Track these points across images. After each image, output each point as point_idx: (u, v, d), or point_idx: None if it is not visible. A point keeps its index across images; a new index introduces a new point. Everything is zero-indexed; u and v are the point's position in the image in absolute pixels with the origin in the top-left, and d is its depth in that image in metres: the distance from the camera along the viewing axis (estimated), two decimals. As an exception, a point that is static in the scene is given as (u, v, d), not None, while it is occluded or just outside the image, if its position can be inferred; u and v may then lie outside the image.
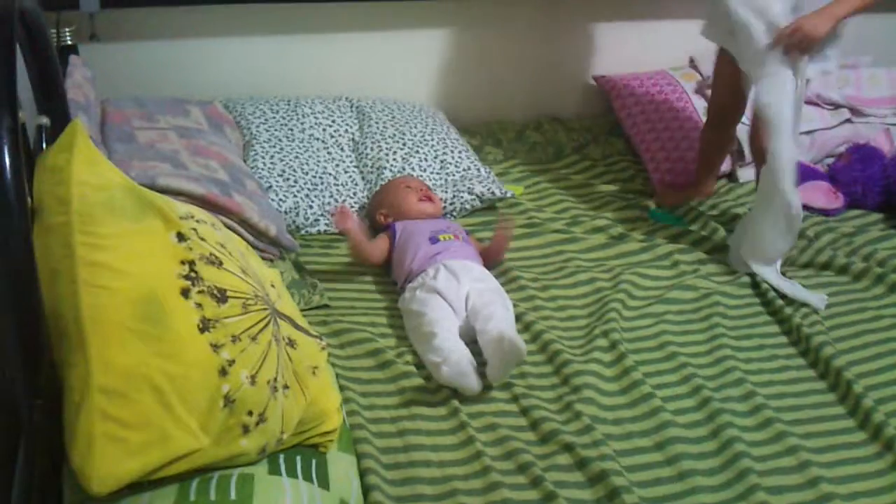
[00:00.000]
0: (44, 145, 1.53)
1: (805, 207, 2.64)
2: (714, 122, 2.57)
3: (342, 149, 2.61)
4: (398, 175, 2.50)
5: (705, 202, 2.65)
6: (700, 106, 2.86)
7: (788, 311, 2.17)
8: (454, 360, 1.81)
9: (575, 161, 2.84)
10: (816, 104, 2.92)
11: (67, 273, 1.23)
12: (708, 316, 2.15)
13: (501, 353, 1.81)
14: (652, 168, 2.77)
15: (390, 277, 2.22)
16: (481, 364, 1.86)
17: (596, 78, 3.07)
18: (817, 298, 2.22)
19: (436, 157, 2.59)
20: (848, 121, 2.95)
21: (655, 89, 2.94)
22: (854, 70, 3.05)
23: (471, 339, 1.92)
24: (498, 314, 1.93)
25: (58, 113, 1.63)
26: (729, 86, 2.41)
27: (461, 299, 1.99)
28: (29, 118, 1.53)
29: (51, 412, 1.24)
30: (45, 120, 1.57)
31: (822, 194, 2.69)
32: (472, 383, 1.82)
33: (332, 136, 2.62)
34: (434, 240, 2.16)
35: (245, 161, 2.43)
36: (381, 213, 2.36)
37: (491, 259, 2.24)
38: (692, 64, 3.08)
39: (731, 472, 1.71)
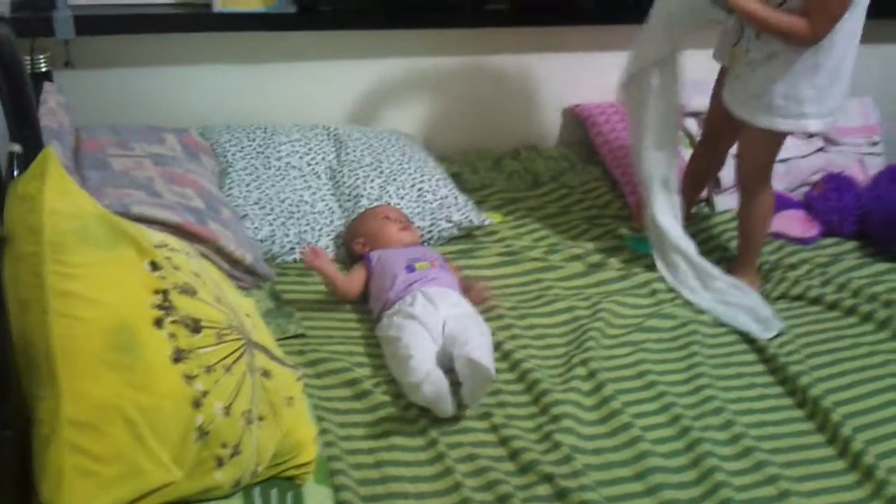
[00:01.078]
0: (15, 173, 1.51)
1: (781, 236, 2.68)
2: (707, 142, 2.58)
3: (319, 177, 2.59)
4: (375, 203, 2.49)
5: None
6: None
7: (764, 340, 2.17)
8: (433, 379, 1.80)
9: (552, 189, 2.85)
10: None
11: (38, 303, 1.20)
12: (687, 344, 2.15)
13: (471, 376, 1.80)
14: (629, 193, 2.78)
15: (367, 306, 2.20)
16: (456, 390, 1.85)
17: (571, 107, 3.08)
18: (759, 327, 2.22)
19: (413, 186, 2.58)
20: (821, 149, 2.98)
21: (631, 117, 2.95)
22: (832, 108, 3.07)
23: (447, 366, 1.90)
24: (474, 339, 1.91)
25: (31, 140, 1.60)
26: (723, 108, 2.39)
27: (438, 325, 1.98)
28: (1, 145, 1.51)
29: (20, 444, 1.21)
30: (17, 147, 1.55)
31: (798, 223, 2.71)
32: (447, 405, 1.81)
33: (309, 165, 2.61)
34: (411, 269, 2.15)
35: (221, 189, 2.42)
36: (357, 241, 2.34)
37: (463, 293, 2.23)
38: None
39: (712, 501, 1.69)
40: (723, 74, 2.42)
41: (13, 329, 1.22)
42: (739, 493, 1.71)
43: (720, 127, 2.46)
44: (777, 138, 2.32)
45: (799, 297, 2.39)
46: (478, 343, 1.89)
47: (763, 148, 2.33)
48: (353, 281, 2.21)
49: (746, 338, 2.21)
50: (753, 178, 2.38)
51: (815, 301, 2.37)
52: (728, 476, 1.75)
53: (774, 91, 2.20)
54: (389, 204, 2.50)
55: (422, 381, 1.79)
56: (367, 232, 2.34)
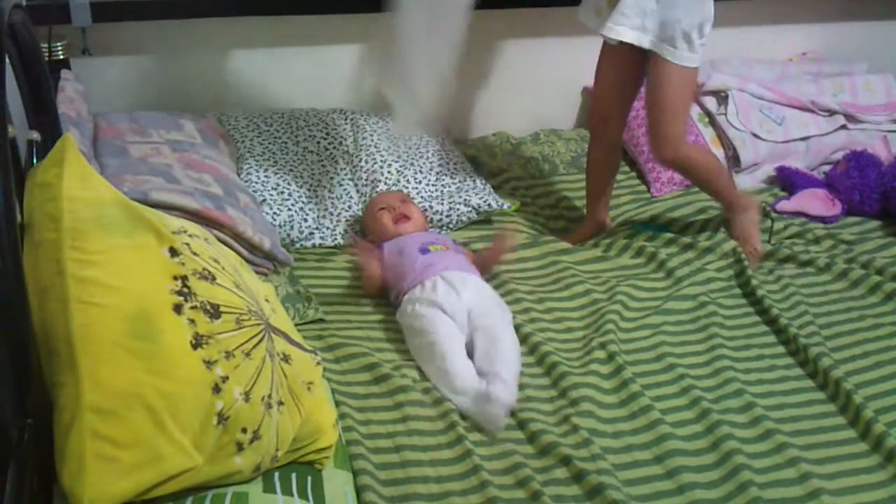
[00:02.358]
0: (34, 160, 1.52)
1: (803, 215, 2.65)
2: (598, 134, 2.46)
3: (336, 162, 2.59)
4: (392, 188, 2.48)
5: (691, 208, 2.63)
6: (693, 111, 2.86)
7: (784, 320, 2.15)
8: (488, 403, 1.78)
9: (571, 172, 2.83)
10: (811, 111, 2.92)
11: (57, 290, 1.21)
12: (705, 326, 2.14)
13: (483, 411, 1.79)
14: (649, 170, 2.76)
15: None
16: None
17: (590, 87, 3.06)
18: None
19: (431, 169, 2.58)
20: (843, 127, 2.94)
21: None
22: (849, 77, 3.05)
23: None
24: (498, 324, 1.93)
25: (49, 128, 1.62)
26: (615, 83, 2.32)
27: (462, 312, 1.98)
28: (20, 133, 1.52)
29: (41, 432, 1.23)
30: (35, 135, 1.56)
31: (820, 202, 2.68)
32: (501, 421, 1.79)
33: (327, 149, 2.61)
34: (425, 251, 2.14)
35: (239, 174, 2.42)
36: (368, 238, 2.36)
37: (483, 268, 2.23)
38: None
39: (732, 484, 1.69)
40: (606, 50, 2.32)
41: (33, 316, 1.23)
42: (760, 475, 1.71)
43: (608, 110, 2.40)
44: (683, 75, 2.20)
45: (823, 269, 2.38)
46: (503, 334, 1.91)
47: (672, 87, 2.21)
48: (376, 266, 2.18)
49: (765, 318, 2.19)
50: (669, 144, 2.27)
51: (839, 277, 2.35)
52: (748, 459, 1.74)
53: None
54: (391, 189, 2.48)
55: (469, 401, 1.81)
56: (367, 227, 2.37)
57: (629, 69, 2.30)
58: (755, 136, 2.82)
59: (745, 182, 2.78)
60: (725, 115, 2.84)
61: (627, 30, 2.15)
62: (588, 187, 2.55)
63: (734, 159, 2.81)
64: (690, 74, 2.21)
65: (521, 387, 1.90)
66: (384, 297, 2.19)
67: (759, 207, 2.44)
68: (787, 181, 2.78)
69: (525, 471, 1.67)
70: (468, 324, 1.96)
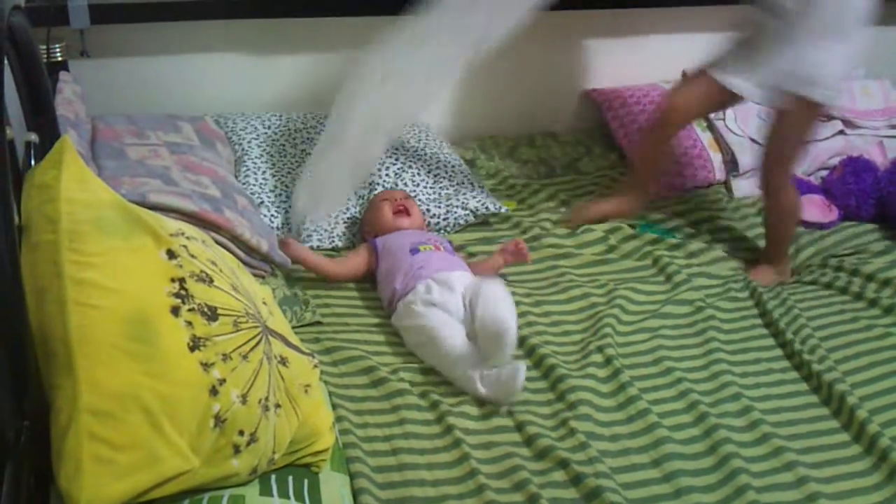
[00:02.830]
0: (32, 162, 1.51)
1: (800, 221, 2.65)
2: (670, 135, 2.52)
3: (334, 164, 2.59)
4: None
5: (692, 212, 2.63)
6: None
7: (782, 324, 2.16)
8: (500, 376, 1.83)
9: (568, 175, 2.83)
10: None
11: (55, 292, 1.21)
12: (703, 330, 2.14)
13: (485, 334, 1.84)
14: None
15: (377, 292, 2.20)
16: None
17: (588, 91, 3.07)
18: None
19: (429, 172, 2.58)
20: (841, 132, 2.95)
21: (647, 100, 2.94)
22: (846, 82, 3.05)
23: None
24: (486, 296, 1.95)
25: (47, 129, 1.61)
26: (707, 108, 2.42)
27: (458, 305, 1.99)
28: (17, 135, 1.52)
29: (38, 434, 1.22)
30: (33, 137, 1.56)
31: (817, 208, 2.69)
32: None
33: (325, 152, 2.61)
34: (414, 251, 2.14)
35: (237, 177, 2.42)
36: (365, 230, 2.35)
37: (479, 274, 2.23)
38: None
39: (729, 488, 1.69)
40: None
41: (31, 318, 1.22)
42: (757, 479, 1.71)
43: (686, 121, 2.52)
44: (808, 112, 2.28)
45: (813, 283, 2.38)
46: (489, 298, 1.91)
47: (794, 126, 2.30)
48: (347, 261, 2.21)
49: (763, 322, 2.20)
50: (773, 170, 2.35)
51: (830, 285, 2.36)
52: (745, 462, 1.74)
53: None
54: (396, 188, 2.48)
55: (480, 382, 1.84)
56: (369, 218, 2.36)
57: (723, 100, 2.41)
58: (753, 141, 2.83)
59: (743, 187, 2.78)
60: (724, 120, 2.85)
61: (760, 92, 2.27)
62: (645, 167, 2.56)
63: (732, 164, 2.81)
64: (811, 114, 2.28)
65: (519, 390, 1.91)
66: (380, 299, 2.19)
67: (788, 279, 2.44)
68: (785, 186, 2.79)
69: (522, 474, 1.67)
70: (465, 308, 1.97)
